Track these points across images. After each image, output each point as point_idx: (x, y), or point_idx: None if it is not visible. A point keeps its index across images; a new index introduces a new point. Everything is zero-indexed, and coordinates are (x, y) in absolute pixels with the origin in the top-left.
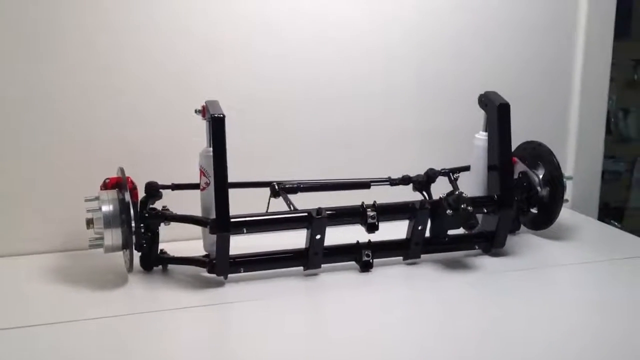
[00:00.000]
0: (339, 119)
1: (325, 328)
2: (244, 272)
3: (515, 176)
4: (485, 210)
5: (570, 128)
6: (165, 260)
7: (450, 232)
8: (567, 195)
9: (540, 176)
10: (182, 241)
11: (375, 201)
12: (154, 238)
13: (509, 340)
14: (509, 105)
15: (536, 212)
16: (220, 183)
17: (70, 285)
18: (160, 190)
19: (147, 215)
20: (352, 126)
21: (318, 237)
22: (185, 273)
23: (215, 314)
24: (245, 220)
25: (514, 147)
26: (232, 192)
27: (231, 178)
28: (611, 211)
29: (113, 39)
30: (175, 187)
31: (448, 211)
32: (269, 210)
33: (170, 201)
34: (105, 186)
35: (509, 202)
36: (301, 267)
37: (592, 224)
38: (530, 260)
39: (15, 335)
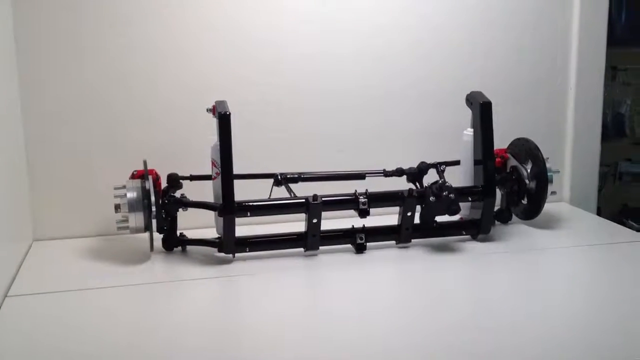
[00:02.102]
0: (339, 120)
1: (321, 296)
2: (249, 251)
3: (508, 170)
4: (470, 199)
5: (567, 124)
6: (183, 241)
7: (440, 219)
8: (564, 189)
9: (529, 170)
10: (202, 228)
11: (367, 189)
12: (173, 222)
13: (492, 309)
14: (491, 104)
15: (526, 203)
16: (226, 172)
17: (105, 262)
18: (180, 180)
19: (166, 201)
20: (352, 127)
21: (315, 221)
22: (201, 253)
23: (222, 285)
24: (249, 205)
25: (509, 143)
26: (244, 183)
27: (242, 170)
28: (630, 212)
29: (147, 51)
30: (192, 177)
31: (431, 198)
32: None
33: (191, 191)
34: (133, 177)
35: (491, 192)
36: (302, 249)
37: (586, 217)
38: (514, 244)
39: (63, 296)
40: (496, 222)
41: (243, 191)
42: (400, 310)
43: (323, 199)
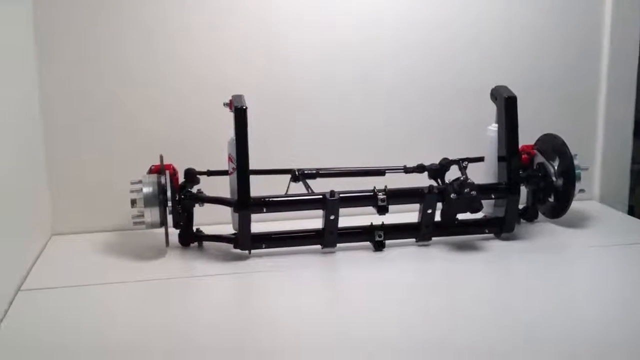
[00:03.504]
0: (360, 114)
1: (338, 294)
2: (265, 247)
3: (534, 167)
4: (493, 197)
5: (598, 122)
6: (200, 237)
7: (462, 216)
8: (594, 187)
9: (556, 167)
10: (220, 224)
11: (386, 186)
12: (189, 217)
13: (513, 309)
14: (516, 98)
15: (552, 201)
16: (242, 167)
17: (122, 256)
18: (198, 175)
19: (183, 197)
20: (373, 120)
21: (332, 217)
22: (217, 249)
23: (238, 281)
24: (265, 200)
25: (536, 139)
26: (261, 179)
27: (260, 165)
28: None
29: (160, 48)
30: (210, 173)
31: (452, 195)
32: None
33: (208, 186)
34: (151, 172)
35: (515, 189)
36: (319, 246)
37: (616, 216)
38: (539, 244)
39: (76, 291)
40: (521, 220)
41: (260, 187)
42: (419, 309)
43: (341, 195)
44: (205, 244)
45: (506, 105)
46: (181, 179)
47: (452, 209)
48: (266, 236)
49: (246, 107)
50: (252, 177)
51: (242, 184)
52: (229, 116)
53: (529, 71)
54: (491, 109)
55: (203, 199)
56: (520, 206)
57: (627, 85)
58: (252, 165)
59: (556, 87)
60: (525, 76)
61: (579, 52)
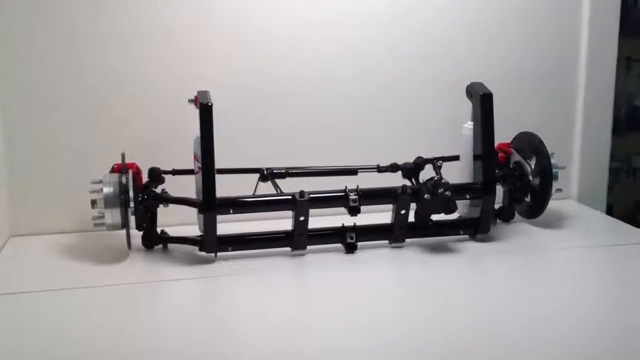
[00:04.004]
0: (334, 112)
1: (308, 298)
2: (232, 250)
3: (511, 166)
4: (468, 197)
5: (576, 119)
6: (163, 239)
7: (437, 217)
8: (572, 186)
9: (533, 166)
10: (187, 225)
11: (358, 186)
12: (153, 219)
13: (490, 314)
14: (492, 95)
15: (529, 201)
16: (208, 166)
17: (81, 260)
18: (163, 175)
19: (146, 197)
20: (347, 118)
21: (302, 218)
22: (182, 251)
23: (202, 286)
24: (231, 201)
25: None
26: (229, 178)
27: (229, 164)
28: None
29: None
30: (175, 172)
31: (426, 195)
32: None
33: (174, 186)
34: (113, 171)
35: (490, 189)
36: (288, 248)
37: (594, 215)
38: (515, 245)
39: (33, 297)
40: (498, 220)
41: (228, 186)
42: (392, 314)
43: (311, 195)
44: (171, 246)
45: (482, 102)
46: (145, 178)
47: (426, 210)
48: (233, 238)
49: (211, 104)
50: (220, 177)
51: (208, 184)
52: (196, 113)
53: (506, 68)
54: (469, 106)
55: (167, 200)
56: (497, 206)
57: (606, 83)
58: (220, 164)
59: (534, 85)
60: (503, 73)
61: (558, 50)
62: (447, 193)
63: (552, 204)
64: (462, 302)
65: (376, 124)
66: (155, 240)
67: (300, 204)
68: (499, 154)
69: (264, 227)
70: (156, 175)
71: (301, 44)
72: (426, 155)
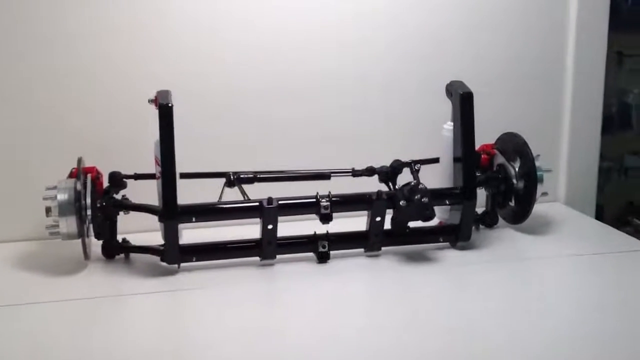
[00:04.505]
0: (309, 113)
1: (277, 312)
2: (196, 261)
3: (495, 168)
4: (447, 203)
5: (563, 119)
6: (124, 248)
7: (416, 223)
8: (559, 188)
9: (517, 168)
10: (153, 232)
11: (330, 191)
12: (113, 227)
13: (470, 328)
14: (472, 95)
15: (513, 205)
16: (168, 171)
17: (37, 271)
18: (124, 179)
19: (104, 204)
20: (322, 119)
21: (270, 227)
22: (144, 261)
23: (164, 300)
24: (193, 208)
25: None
26: (195, 183)
27: (196, 168)
28: (636, 210)
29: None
30: (137, 176)
31: (401, 202)
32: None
33: (138, 191)
34: (71, 175)
35: (471, 194)
36: (257, 258)
37: (582, 220)
38: (497, 253)
39: None
40: (481, 226)
41: (194, 192)
42: (366, 328)
43: (279, 202)
44: (133, 255)
45: (461, 102)
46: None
47: (402, 217)
48: (197, 248)
49: (172, 104)
50: (186, 182)
51: (168, 191)
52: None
53: (491, 66)
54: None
55: (127, 207)
56: (480, 210)
57: (595, 80)
58: (184, 168)
59: (520, 82)
60: (487, 71)
61: (544, 46)
62: (424, 199)
63: (539, 208)
64: (439, 315)
65: (352, 125)
66: (115, 250)
67: (267, 212)
68: (482, 156)
69: (236, 233)
70: (117, 180)
71: (273, 42)
72: (408, 158)
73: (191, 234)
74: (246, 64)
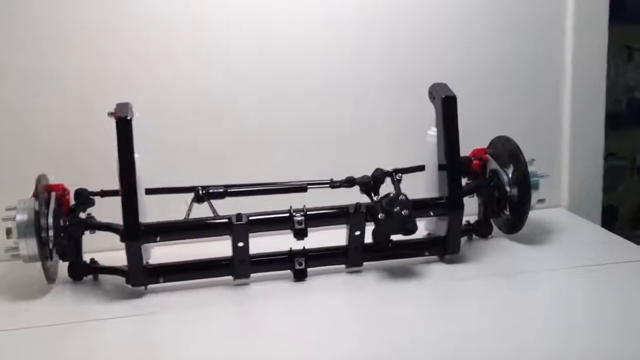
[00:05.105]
0: (284, 121)
1: (250, 336)
2: (164, 282)
3: (488, 174)
4: (431, 214)
5: (563, 118)
6: (90, 269)
7: (400, 237)
8: (562, 193)
9: (510, 174)
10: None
11: (304, 205)
12: (78, 246)
13: (458, 351)
14: (455, 98)
15: (508, 214)
16: (128, 188)
17: None
18: (92, 197)
19: (67, 223)
20: (299, 128)
21: (241, 244)
22: (113, 283)
23: (129, 326)
24: (157, 227)
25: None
26: (166, 200)
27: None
28: None
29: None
30: (104, 193)
31: (380, 215)
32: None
33: (107, 209)
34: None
35: (456, 204)
36: (231, 277)
37: (585, 228)
38: (488, 266)
39: None
40: (474, 236)
41: (170, 208)
42: (345, 351)
43: (250, 217)
44: (103, 276)
45: (444, 106)
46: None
47: (382, 230)
48: (164, 268)
49: (130, 118)
50: (155, 198)
51: (129, 209)
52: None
53: (485, 62)
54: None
55: (91, 226)
56: (473, 220)
57: (596, 76)
58: (154, 183)
59: (516, 81)
60: (481, 68)
61: (540, 41)
62: (405, 211)
63: (539, 214)
64: (425, 337)
65: (334, 133)
66: (82, 271)
67: (237, 229)
68: (474, 162)
69: (213, 247)
70: (83, 197)
71: (248, 47)
72: (397, 166)
73: (164, 250)
74: (218, 70)
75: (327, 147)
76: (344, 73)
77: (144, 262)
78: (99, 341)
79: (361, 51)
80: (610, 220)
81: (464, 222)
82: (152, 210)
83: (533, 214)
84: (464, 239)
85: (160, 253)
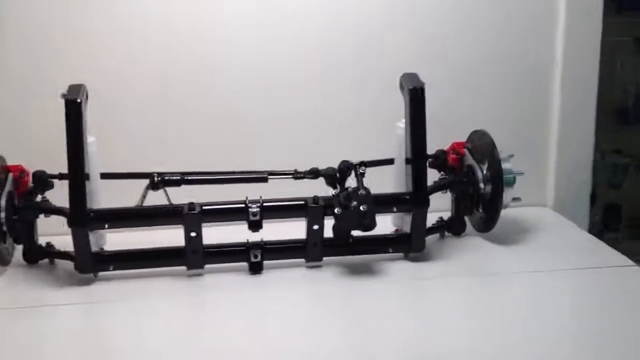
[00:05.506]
0: (244, 106)
1: (201, 328)
2: (113, 270)
3: (464, 169)
4: (395, 210)
5: (551, 111)
6: (45, 253)
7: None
8: (547, 192)
9: (485, 171)
10: None
11: (261, 196)
12: (30, 230)
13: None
14: (423, 89)
15: (482, 212)
16: (75, 172)
17: None
18: (51, 179)
19: (20, 206)
20: (267, 115)
21: (193, 234)
22: (68, 268)
23: (72, 315)
24: (106, 214)
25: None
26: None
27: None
28: None
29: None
30: (62, 176)
31: (337, 209)
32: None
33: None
34: None
35: (421, 200)
36: (184, 267)
37: (565, 229)
38: (454, 266)
39: None
40: (447, 233)
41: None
42: (299, 346)
43: (204, 207)
44: (58, 261)
45: (411, 96)
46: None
47: (340, 225)
48: (114, 255)
49: (81, 100)
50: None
51: (76, 194)
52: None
53: (474, 56)
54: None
55: (45, 209)
56: (446, 217)
57: (587, 69)
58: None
59: (503, 73)
60: (470, 62)
61: (530, 32)
62: (363, 207)
63: (521, 213)
64: (379, 334)
65: (308, 123)
66: (36, 255)
67: (189, 218)
68: (451, 156)
69: (175, 235)
70: (42, 179)
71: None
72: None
73: (124, 236)
74: (183, 54)
75: (301, 138)
76: (321, 62)
77: (99, 248)
78: (48, 328)
79: (341, 42)
80: (614, 218)
81: (437, 218)
82: (120, 197)
83: (514, 213)
84: (435, 236)
85: (120, 239)
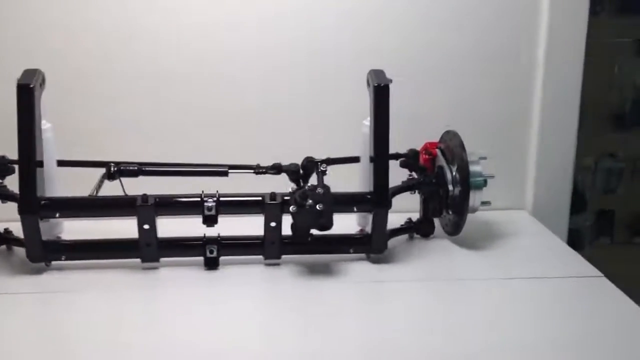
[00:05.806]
0: (210, 96)
1: (148, 325)
2: (65, 259)
3: (436, 170)
4: (355, 210)
5: (532, 111)
6: (2, 239)
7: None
8: (526, 195)
9: (454, 172)
10: None
11: (217, 191)
12: None
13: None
14: (388, 87)
15: (450, 214)
16: (26, 158)
17: None
18: (11, 164)
19: None
20: (240, 106)
21: (146, 227)
22: (21, 256)
23: (24, 304)
24: (57, 203)
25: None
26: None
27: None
28: None
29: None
30: None
31: (292, 207)
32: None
33: None
34: None
35: (383, 201)
36: (139, 260)
37: (540, 235)
38: (415, 270)
39: None
40: (415, 235)
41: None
42: (252, 347)
43: (157, 199)
44: (17, 248)
45: (376, 94)
46: None
47: (296, 224)
48: (66, 245)
49: (33, 85)
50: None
51: (26, 181)
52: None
53: (453, 54)
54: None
55: (2, 196)
56: (415, 218)
57: (571, 70)
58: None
59: (483, 70)
60: (449, 60)
61: (512, 28)
62: (319, 206)
63: (497, 216)
64: (334, 334)
65: (271, 118)
66: None
67: (142, 210)
68: (423, 156)
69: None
70: (1, 165)
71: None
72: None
73: (83, 224)
74: (150, 41)
75: (270, 132)
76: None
77: (56, 237)
78: None
79: (319, 38)
80: (607, 224)
81: (405, 219)
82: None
83: (489, 216)
84: (403, 238)
85: (79, 227)
